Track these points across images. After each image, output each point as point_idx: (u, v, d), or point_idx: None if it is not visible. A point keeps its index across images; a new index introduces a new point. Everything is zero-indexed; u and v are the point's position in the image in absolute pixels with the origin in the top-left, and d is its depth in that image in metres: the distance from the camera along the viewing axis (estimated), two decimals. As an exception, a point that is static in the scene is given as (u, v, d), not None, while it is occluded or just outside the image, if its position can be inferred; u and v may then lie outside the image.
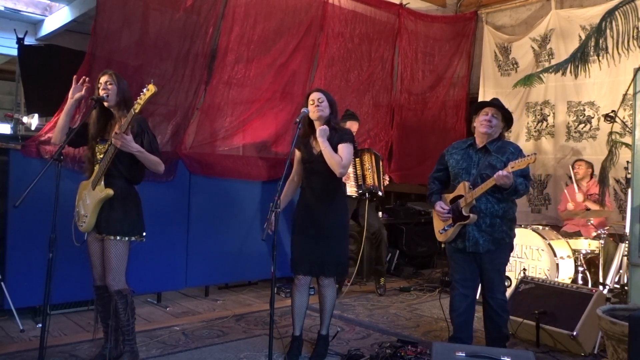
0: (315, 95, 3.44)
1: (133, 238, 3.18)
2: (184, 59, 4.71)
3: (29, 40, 5.88)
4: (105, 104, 3.14)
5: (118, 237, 3.12)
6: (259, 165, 5.25)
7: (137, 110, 2.97)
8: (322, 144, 3.32)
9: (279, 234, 3.22)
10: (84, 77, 3.23)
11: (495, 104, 3.41)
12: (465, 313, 3.43)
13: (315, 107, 3.41)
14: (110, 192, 3.08)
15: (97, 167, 3.12)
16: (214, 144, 5.07)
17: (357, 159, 5.19)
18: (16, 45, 5.41)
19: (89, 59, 4.21)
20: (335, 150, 3.35)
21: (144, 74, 4.55)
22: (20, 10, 6.58)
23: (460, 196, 3.35)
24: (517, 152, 3.30)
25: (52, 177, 2.94)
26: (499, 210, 3.32)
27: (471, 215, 3.30)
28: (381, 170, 5.38)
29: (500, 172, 3.11)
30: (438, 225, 3.53)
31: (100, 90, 3.13)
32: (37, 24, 6.98)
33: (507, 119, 3.44)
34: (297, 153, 3.56)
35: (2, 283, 3.83)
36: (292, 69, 5.51)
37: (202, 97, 4.92)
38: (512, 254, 4.80)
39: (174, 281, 4.76)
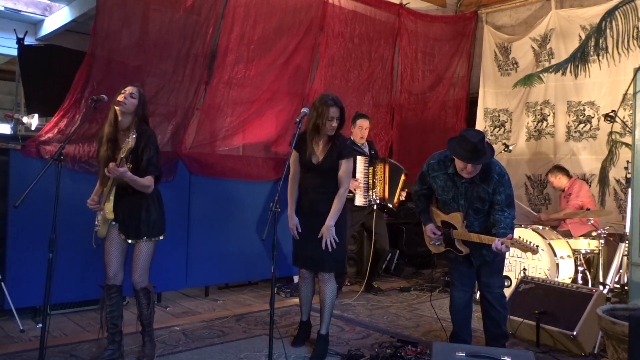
0: (335, 113, 3.40)
1: (165, 236, 3.38)
2: (184, 59, 4.71)
3: (29, 40, 5.87)
4: (118, 108, 3.14)
5: (161, 237, 3.32)
6: (259, 165, 5.25)
7: (123, 156, 2.99)
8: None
9: (279, 234, 3.21)
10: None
11: (472, 161, 3.10)
12: (464, 310, 3.48)
13: (333, 126, 3.41)
14: (112, 216, 3.14)
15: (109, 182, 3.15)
16: (214, 144, 5.08)
17: (370, 168, 5.13)
18: (16, 45, 5.40)
19: (89, 59, 4.22)
20: (337, 165, 3.45)
21: (144, 74, 4.55)
22: (20, 10, 6.58)
23: (454, 226, 3.36)
24: (501, 178, 3.22)
25: (52, 177, 2.95)
26: (489, 220, 3.33)
27: (463, 249, 3.35)
28: (400, 184, 5.25)
29: (499, 247, 3.08)
30: (429, 237, 3.56)
31: (120, 96, 3.14)
32: (37, 24, 6.98)
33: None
34: (295, 154, 3.55)
35: (2, 283, 3.83)
36: (292, 69, 5.51)
37: (202, 97, 4.92)
38: (512, 254, 4.85)
39: (174, 281, 4.76)
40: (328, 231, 3.41)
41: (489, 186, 3.22)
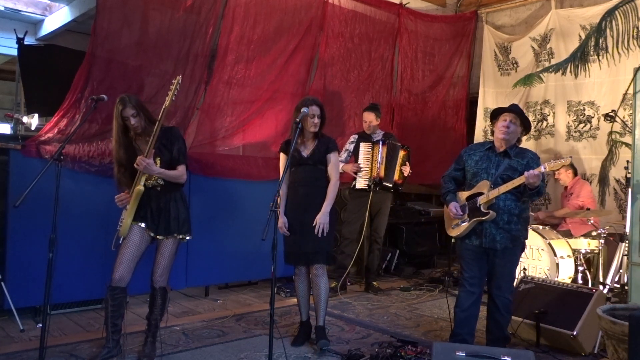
0: (316, 111, 3.64)
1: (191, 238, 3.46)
2: (184, 59, 4.71)
3: (29, 40, 5.87)
4: (131, 125, 3.23)
5: (188, 237, 3.39)
6: (259, 165, 5.25)
7: (167, 105, 3.14)
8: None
9: (279, 234, 3.22)
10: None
11: (514, 110, 3.47)
12: (469, 310, 3.47)
13: (315, 123, 3.65)
14: (142, 188, 3.20)
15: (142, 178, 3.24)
16: (214, 144, 5.07)
17: (371, 152, 5.19)
18: (16, 45, 5.41)
19: (89, 59, 4.22)
20: (325, 159, 3.67)
21: (144, 74, 4.55)
22: (20, 10, 6.58)
23: (479, 193, 3.39)
24: (536, 159, 3.39)
25: (52, 177, 2.95)
26: (516, 209, 3.37)
27: (490, 212, 3.32)
28: (398, 160, 5.25)
29: (532, 171, 3.13)
30: (450, 220, 3.56)
31: (131, 126, 3.22)
32: (37, 24, 6.97)
33: (525, 123, 3.50)
34: (283, 157, 3.75)
35: (2, 283, 3.83)
36: (292, 68, 5.51)
37: (202, 97, 4.92)
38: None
39: (174, 281, 4.72)
40: (323, 217, 3.57)
41: (523, 159, 3.37)
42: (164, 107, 3.15)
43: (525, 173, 3.15)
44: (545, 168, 3.15)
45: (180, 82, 3.16)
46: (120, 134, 3.24)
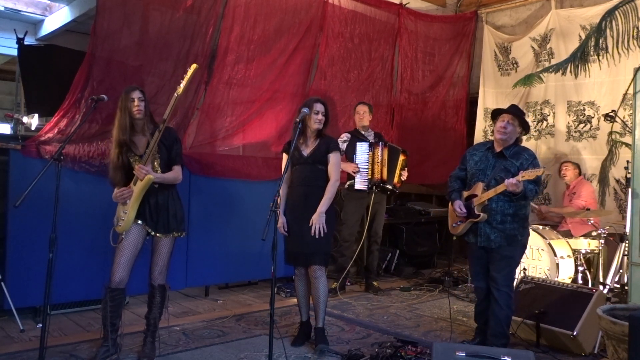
0: (320, 108, 3.65)
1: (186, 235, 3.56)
2: (184, 59, 4.71)
3: (29, 40, 5.87)
4: (134, 112, 3.23)
5: (184, 234, 3.45)
6: (259, 165, 5.25)
7: (179, 92, 3.23)
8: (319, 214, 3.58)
9: (279, 234, 3.23)
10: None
11: (512, 111, 3.58)
12: (483, 303, 3.67)
13: (319, 119, 3.65)
14: (152, 177, 3.20)
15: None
16: (214, 144, 5.07)
17: (370, 153, 5.18)
18: (16, 45, 5.41)
19: (89, 59, 4.22)
20: (326, 159, 3.65)
21: (144, 74, 4.55)
22: (20, 10, 6.58)
23: (475, 195, 3.55)
24: (531, 159, 3.49)
25: (52, 177, 2.95)
26: (509, 209, 3.49)
27: (481, 214, 3.49)
28: (398, 164, 5.26)
29: (510, 180, 3.30)
30: (452, 219, 3.75)
31: (134, 108, 3.22)
32: (37, 24, 6.98)
33: (523, 124, 3.63)
34: (286, 156, 3.72)
35: (2, 283, 3.83)
36: (292, 69, 5.51)
37: (202, 97, 4.92)
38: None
39: (174, 281, 4.73)
40: (319, 217, 3.55)
41: (517, 161, 3.47)
42: (175, 94, 3.22)
43: (505, 181, 3.33)
44: (522, 176, 3.29)
45: (197, 69, 3.21)
46: (125, 119, 3.21)
